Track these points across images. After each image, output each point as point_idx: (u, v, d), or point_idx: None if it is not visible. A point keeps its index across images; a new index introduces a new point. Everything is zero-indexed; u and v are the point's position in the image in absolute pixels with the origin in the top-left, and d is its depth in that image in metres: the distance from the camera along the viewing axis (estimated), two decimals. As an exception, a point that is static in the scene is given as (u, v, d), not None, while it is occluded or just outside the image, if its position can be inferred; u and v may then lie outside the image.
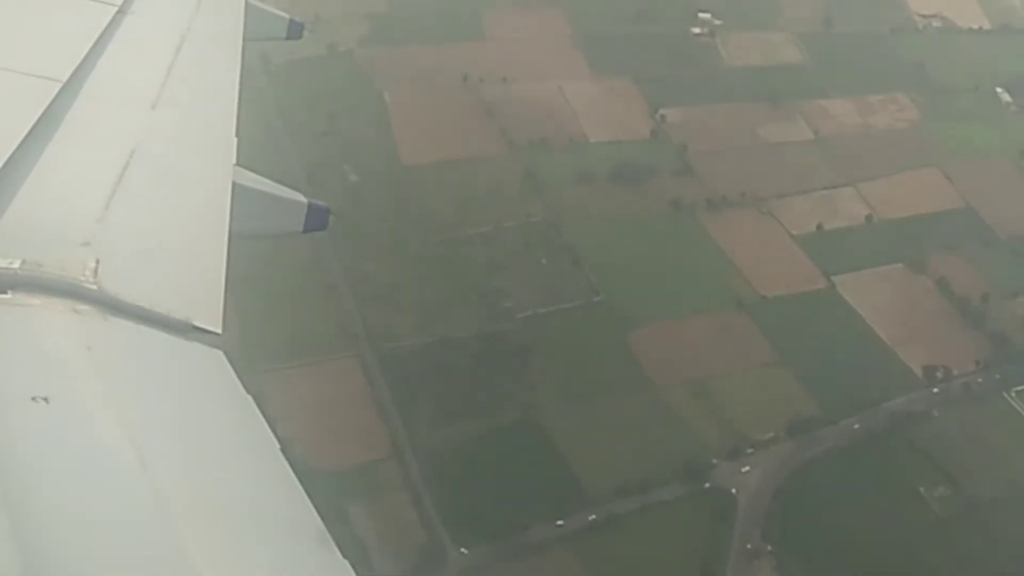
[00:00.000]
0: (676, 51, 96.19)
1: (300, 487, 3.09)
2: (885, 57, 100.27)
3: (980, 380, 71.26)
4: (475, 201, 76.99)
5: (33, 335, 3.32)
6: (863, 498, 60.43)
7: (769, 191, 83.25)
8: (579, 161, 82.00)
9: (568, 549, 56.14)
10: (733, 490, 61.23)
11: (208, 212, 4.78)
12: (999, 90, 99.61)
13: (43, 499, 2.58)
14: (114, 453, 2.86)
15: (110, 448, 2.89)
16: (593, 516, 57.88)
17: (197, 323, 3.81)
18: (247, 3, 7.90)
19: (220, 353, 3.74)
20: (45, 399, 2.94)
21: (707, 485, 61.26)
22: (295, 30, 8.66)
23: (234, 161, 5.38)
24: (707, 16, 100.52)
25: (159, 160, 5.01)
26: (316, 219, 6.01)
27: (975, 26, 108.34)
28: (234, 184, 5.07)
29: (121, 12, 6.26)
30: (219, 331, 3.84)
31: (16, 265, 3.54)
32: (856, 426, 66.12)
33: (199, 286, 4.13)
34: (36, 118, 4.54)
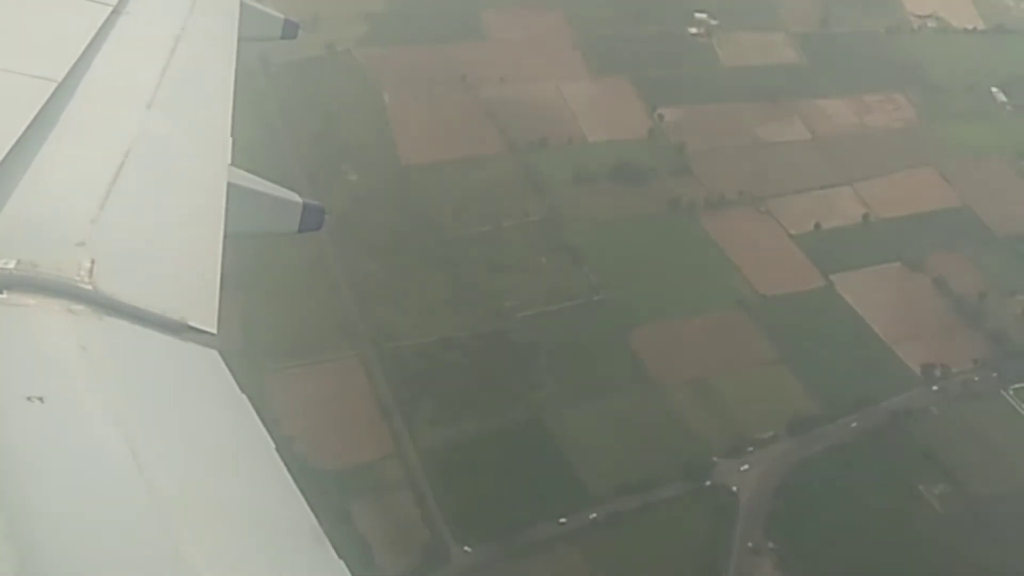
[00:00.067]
0: (673, 51, 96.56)
1: (295, 487, 3.05)
2: (881, 57, 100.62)
3: (977, 378, 71.48)
4: (475, 201, 77.14)
5: (28, 335, 3.30)
6: (863, 496, 60.66)
7: (767, 190, 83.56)
8: (578, 161, 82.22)
9: (571, 547, 56.26)
10: (734, 488, 61.41)
11: (203, 212, 4.76)
12: (994, 90, 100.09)
13: (38, 499, 2.58)
14: (109, 453, 2.85)
15: (105, 448, 2.88)
16: (594, 515, 58.00)
17: (192, 323, 3.79)
18: (242, 3, 7.87)
19: (215, 353, 3.72)
20: (40, 399, 2.94)
21: (708, 483, 61.43)
22: (290, 30, 8.64)
23: (229, 161, 5.37)
24: (703, 16, 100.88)
25: (154, 160, 5.01)
26: (311, 219, 5.99)
27: (970, 26, 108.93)
28: (229, 184, 5.05)
29: (116, 12, 6.23)
30: (214, 331, 3.82)
31: (11, 265, 3.53)
32: (854, 424, 66.35)
33: (194, 286, 4.12)
34: (31, 118, 4.52)
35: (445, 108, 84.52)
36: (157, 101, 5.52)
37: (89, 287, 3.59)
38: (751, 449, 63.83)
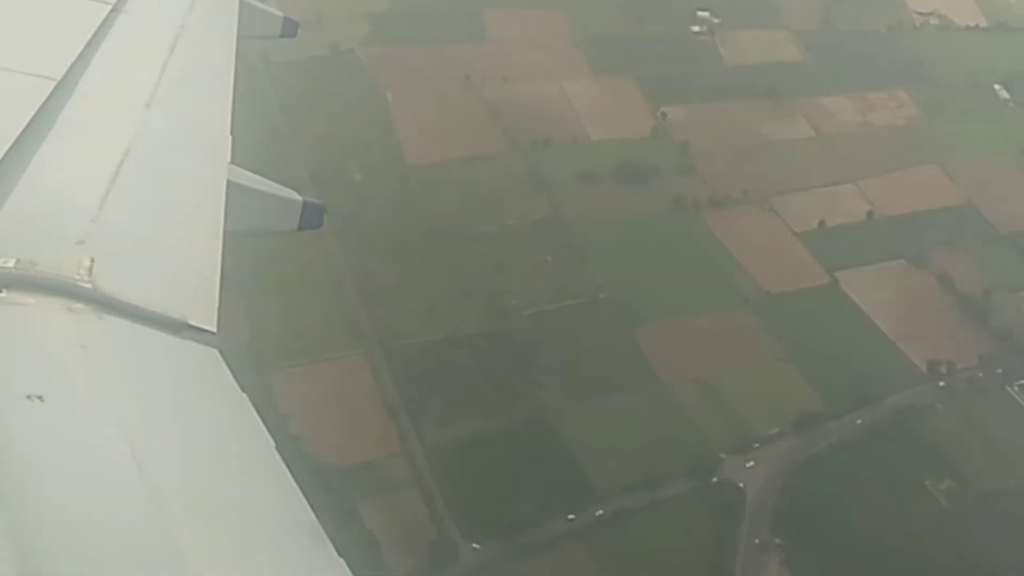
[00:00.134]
0: (676, 50, 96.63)
1: (296, 485, 3.08)
2: (884, 54, 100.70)
3: (982, 375, 71.49)
4: (479, 200, 77.21)
5: (28, 334, 3.31)
6: (870, 492, 60.70)
7: (771, 188, 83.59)
8: (582, 159, 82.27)
9: (579, 544, 56.30)
10: (741, 484, 61.46)
11: (203, 210, 4.77)
12: (997, 87, 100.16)
13: (38, 498, 2.58)
14: (109, 452, 2.86)
15: (105, 447, 2.88)
16: (600, 511, 58.01)
17: (192, 322, 3.79)
18: (241, 1, 7.87)
19: (215, 351, 3.73)
20: (40, 398, 2.94)
21: (715, 480, 61.46)
22: (290, 28, 8.63)
23: (229, 159, 5.39)
24: (706, 15, 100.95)
25: (154, 158, 5.02)
26: (311, 217, 5.99)
27: (972, 23, 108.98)
28: (229, 182, 5.07)
29: (115, 10, 6.24)
30: (214, 330, 3.82)
31: (11, 264, 3.53)
32: (858, 421, 66.32)
33: (194, 284, 4.12)
34: (30, 117, 4.52)
35: (449, 108, 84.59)
36: (156, 99, 5.53)
37: (89, 286, 3.58)
38: (757, 446, 63.85)
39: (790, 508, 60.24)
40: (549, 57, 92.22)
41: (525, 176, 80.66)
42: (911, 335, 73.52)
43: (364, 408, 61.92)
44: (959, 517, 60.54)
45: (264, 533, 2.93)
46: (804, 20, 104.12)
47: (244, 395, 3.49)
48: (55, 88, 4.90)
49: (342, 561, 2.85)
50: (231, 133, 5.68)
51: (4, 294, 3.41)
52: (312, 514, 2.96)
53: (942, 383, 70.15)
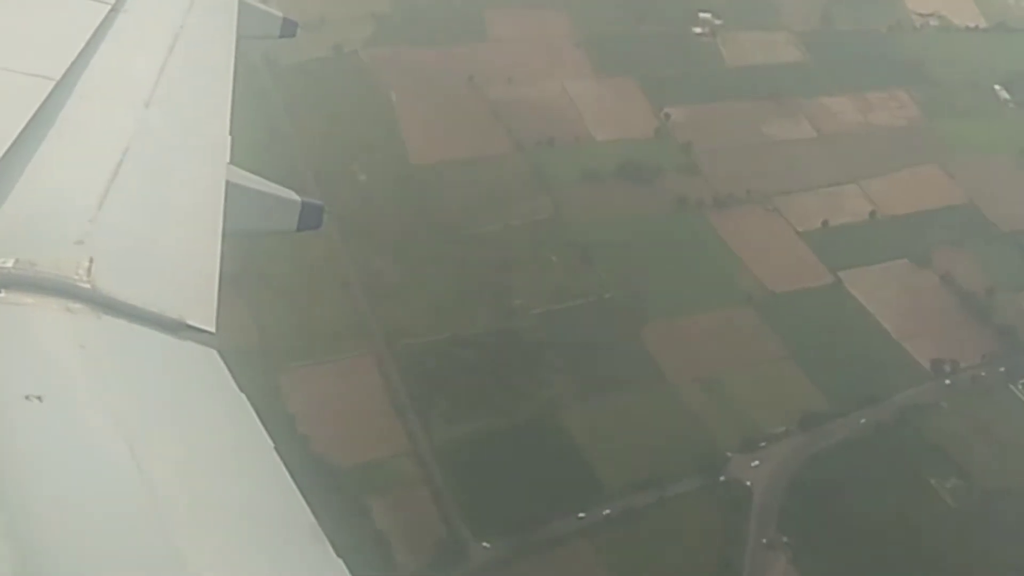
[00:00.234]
0: (678, 50, 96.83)
1: (294, 486, 3.07)
2: (884, 55, 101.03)
3: (983, 373, 71.90)
4: (483, 200, 77.35)
5: (26, 334, 3.29)
6: (876, 490, 60.98)
7: (774, 188, 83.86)
8: (585, 160, 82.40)
9: (588, 542, 56.47)
10: (748, 483, 61.67)
11: (202, 210, 4.75)
12: (997, 87, 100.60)
13: (36, 498, 2.58)
14: (108, 452, 2.85)
15: (104, 447, 2.88)
16: (608, 511, 58.15)
17: (191, 322, 3.77)
18: (240, 1, 7.83)
19: (214, 352, 3.71)
20: (38, 398, 2.93)
21: (722, 478, 61.69)
22: (289, 28, 8.58)
23: (228, 159, 5.37)
24: (708, 16, 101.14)
25: (152, 158, 5.00)
26: (310, 217, 5.95)
27: (972, 24, 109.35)
28: (227, 183, 5.05)
29: (114, 10, 6.20)
30: (213, 330, 3.81)
31: (9, 264, 3.51)
32: (862, 420, 66.58)
33: (193, 285, 4.11)
34: (29, 117, 4.49)
35: (452, 108, 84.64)
36: (155, 99, 5.51)
37: (87, 286, 3.57)
38: (763, 444, 64.07)
39: (797, 506, 60.45)
40: (552, 58, 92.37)
41: (529, 176, 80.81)
42: (915, 334, 73.86)
43: (372, 407, 61.96)
44: (965, 515, 60.89)
45: (262, 533, 2.94)
46: (804, 21, 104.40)
47: (243, 395, 3.47)
48: (54, 88, 4.87)
49: (340, 562, 2.85)
50: (230, 133, 5.68)
51: (3, 294, 3.39)
52: (311, 514, 2.95)
53: (947, 381, 70.42)
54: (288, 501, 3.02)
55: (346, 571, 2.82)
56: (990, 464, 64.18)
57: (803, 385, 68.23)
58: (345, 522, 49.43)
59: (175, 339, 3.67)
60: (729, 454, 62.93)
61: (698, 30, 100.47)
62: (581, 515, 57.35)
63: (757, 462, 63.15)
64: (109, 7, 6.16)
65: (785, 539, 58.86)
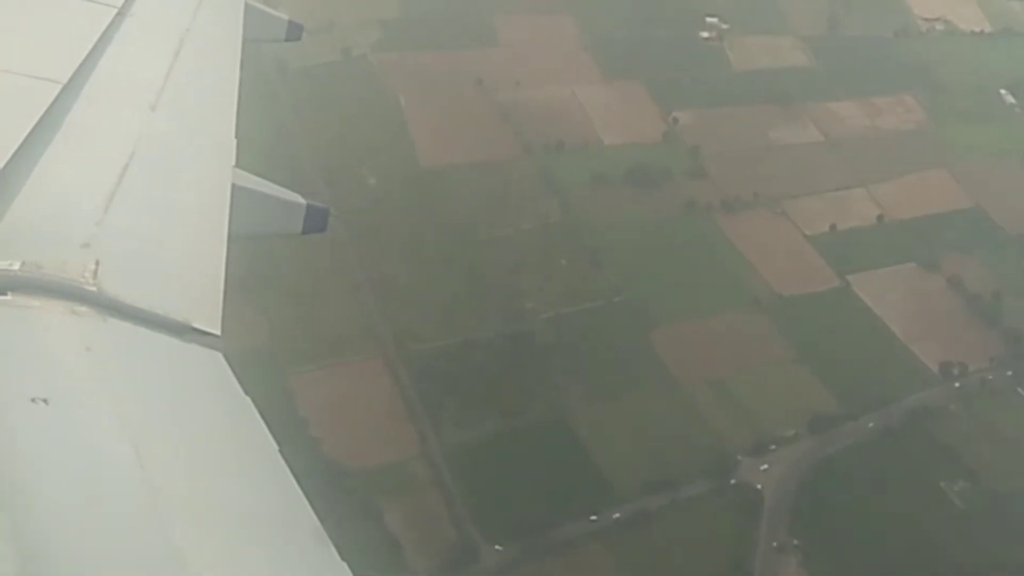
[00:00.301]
0: (685, 55, 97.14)
1: (298, 488, 3.09)
2: (890, 60, 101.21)
3: (992, 376, 72.02)
4: (493, 203, 77.58)
5: (33, 337, 3.30)
6: (885, 493, 61.14)
7: (782, 192, 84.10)
8: (594, 164, 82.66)
9: (600, 545, 56.62)
10: (758, 486, 61.85)
11: (207, 214, 4.77)
12: (1003, 92, 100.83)
13: (42, 500, 2.60)
14: (113, 454, 2.87)
15: (109, 449, 2.90)
16: (618, 514, 58.27)
17: (196, 325, 3.79)
18: (246, 5, 7.84)
19: (219, 355, 3.73)
20: (44, 400, 2.94)
21: (733, 481, 61.87)
22: (294, 32, 8.57)
23: (233, 163, 5.38)
24: (715, 20, 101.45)
25: (158, 162, 5.02)
26: (315, 221, 5.95)
27: (977, 29, 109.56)
28: (233, 186, 5.08)
29: (121, 14, 6.20)
30: (218, 333, 3.82)
31: (16, 267, 3.52)
32: (871, 423, 66.75)
33: (198, 288, 4.12)
34: (36, 120, 4.51)
35: (461, 112, 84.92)
36: (161, 103, 5.53)
37: (93, 289, 3.58)
38: (774, 447, 64.27)
39: (808, 509, 60.64)
40: (560, 62, 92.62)
41: (538, 180, 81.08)
42: (923, 337, 74.05)
43: (383, 411, 62.17)
44: (974, 517, 61.04)
45: (267, 536, 2.96)
46: (811, 26, 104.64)
47: (248, 398, 3.49)
48: (61, 91, 4.88)
49: (344, 564, 2.86)
50: (236, 136, 5.69)
51: (9, 297, 3.40)
52: (315, 517, 2.97)
53: (955, 384, 70.60)
54: (292, 504, 3.05)
55: (349, 573, 2.85)
56: (999, 466, 64.35)
57: (812, 388, 68.40)
58: (357, 525, 49.78)
59: (181, 342, 3.69)
60: (739, 457, 63.12)
61: (705, 34, 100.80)
62: (593, 518, 57.55)
63: (767, 465, 63.32)
64: (115, 11, 6.18)
65: (796, 542, 59.04)
